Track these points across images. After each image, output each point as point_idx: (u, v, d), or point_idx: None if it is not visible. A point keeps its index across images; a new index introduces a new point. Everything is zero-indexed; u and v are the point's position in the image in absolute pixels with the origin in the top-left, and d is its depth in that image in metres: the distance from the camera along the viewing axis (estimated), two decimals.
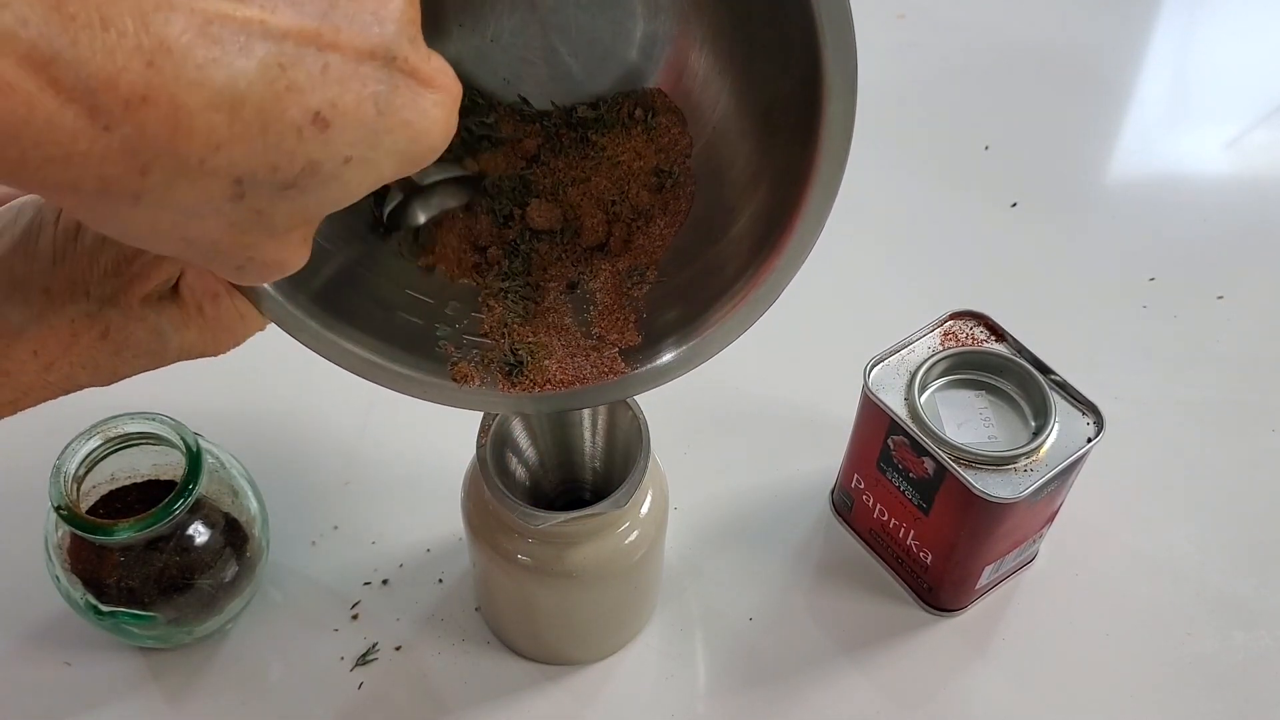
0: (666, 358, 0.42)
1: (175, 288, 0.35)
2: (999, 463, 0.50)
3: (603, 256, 0.45)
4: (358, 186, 0.28)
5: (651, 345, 0.42)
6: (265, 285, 0.37)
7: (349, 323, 0.40)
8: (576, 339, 0.43)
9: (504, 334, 0.43)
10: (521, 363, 0.43)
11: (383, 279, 0.44)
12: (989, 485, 0.49)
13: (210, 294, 0.36)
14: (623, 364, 0.42)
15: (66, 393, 0.36)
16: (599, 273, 0.44)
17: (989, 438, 0.52)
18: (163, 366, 0.36)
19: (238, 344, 0.38)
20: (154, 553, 0.50)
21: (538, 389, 0.42)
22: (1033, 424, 0.52)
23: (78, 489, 0.50)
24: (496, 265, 0.45)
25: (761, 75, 0.41)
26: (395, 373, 0.41)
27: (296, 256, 0.31)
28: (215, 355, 0.38)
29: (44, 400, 0.35)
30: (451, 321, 0.44)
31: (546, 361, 0.43)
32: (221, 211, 0.26)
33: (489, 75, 0.46)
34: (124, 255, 0.33)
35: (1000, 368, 0.54)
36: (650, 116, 0.45)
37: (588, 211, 0.44)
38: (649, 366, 0.42)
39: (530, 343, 0.43)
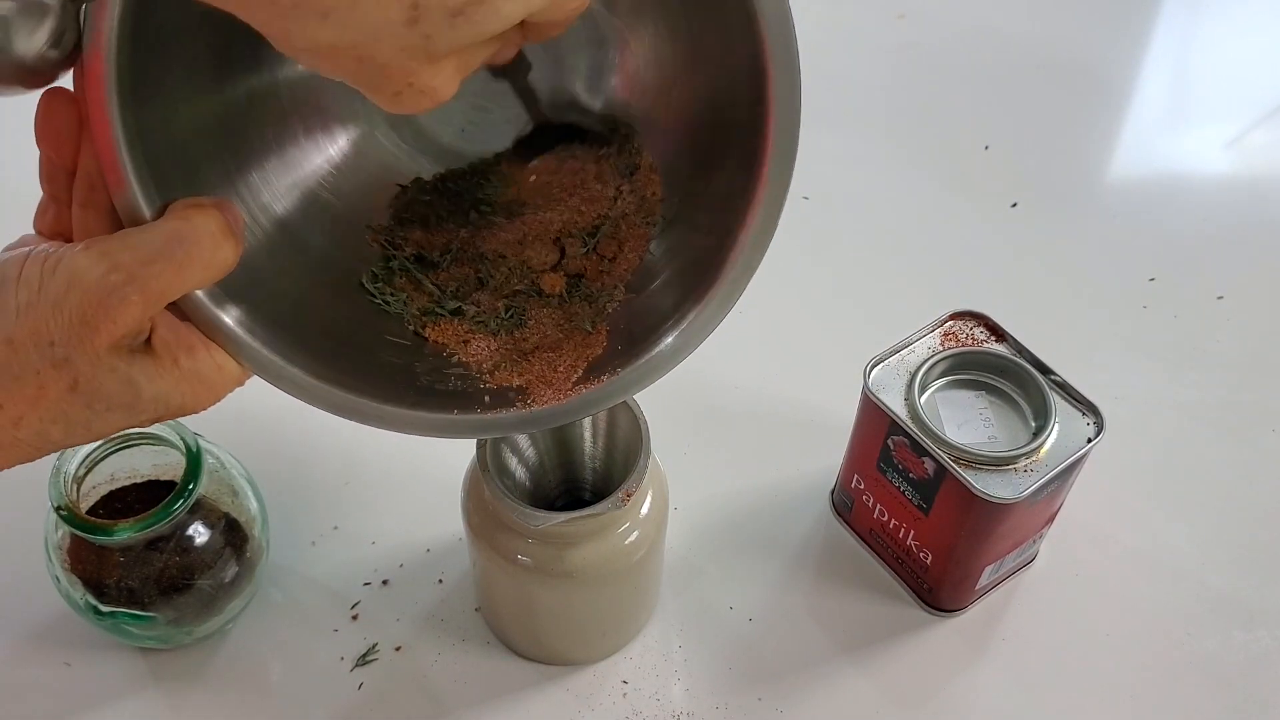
0: (645, 358, 0.41)
1: (149, 342, 0.35)
2: (999, 463, 0.50)
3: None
4: (512, 14, 0.30)
5: (631, 349, 0.42)
6: (241, 332, 0.38)
7: (329, 366, 0.40)
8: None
9: (486, 363, 0.43)
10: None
11: (362, 326, 0.44)
12: (989, 485, 0.49)
13: (186, 347, 0.36)
14: (582, 380, 0.42)
15: (42, 452, 0.35)
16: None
17: (989, 438, 0.52)
18: (141, 423, 0.36)
19: (217, 399, 0.37)
20: (154, 553, 0.50)
21: (520, 407, 0.42)
22: (1033, 424, 0.52)
23: (78, 489, 0.50)
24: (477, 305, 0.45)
25: (708, 79, 0.42)
26: (380, 411, 0.41)
27: (449, 86, 0.32)
28: (195, 412, 0.37)
29: (20, 460, 0.35)
30: (429, 357, 0.44)
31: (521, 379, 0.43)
32: (396, 34, 0.29)
33: (445, 126, 0.47)
34: (89, 303, 0.33)
35: (1000, 368, 0.54)
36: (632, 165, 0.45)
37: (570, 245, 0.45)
38: (623, 371, 0.41)
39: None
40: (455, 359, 0.44)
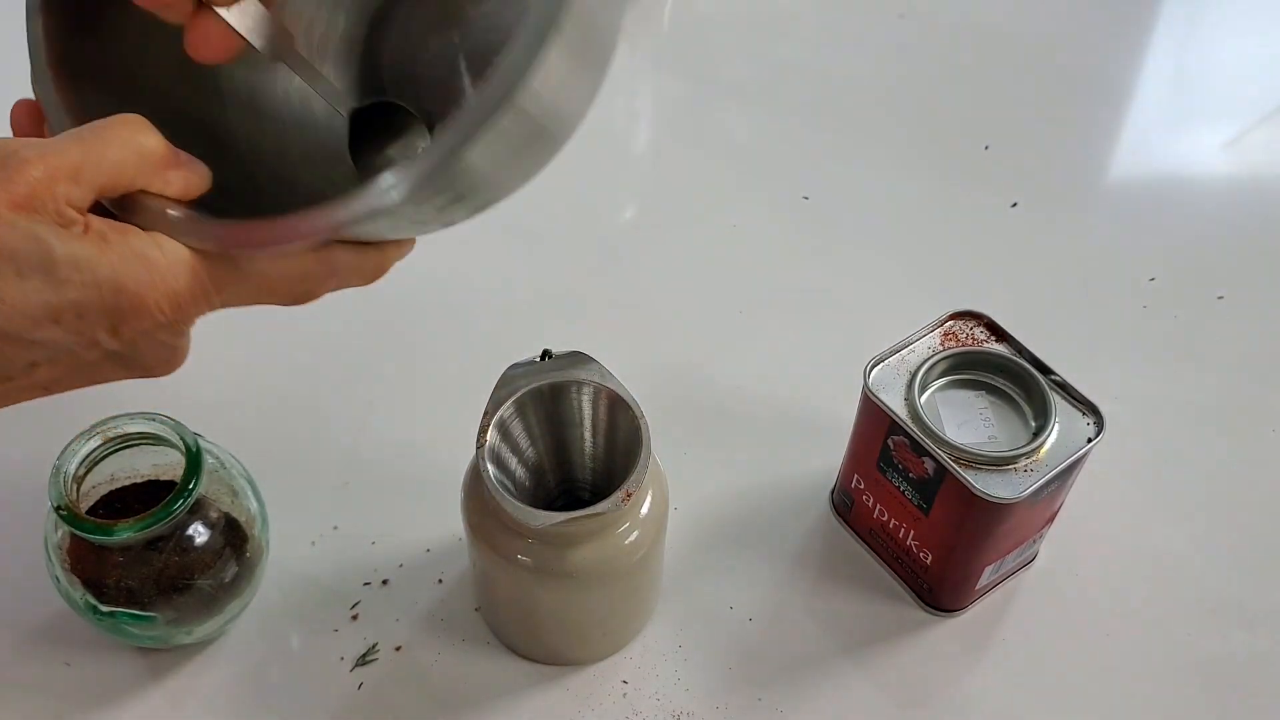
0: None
1: (85, 230, 0.34)
2: (999, 463, 0.50)
3: None
4: None
5: None
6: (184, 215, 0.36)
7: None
8: None
9: None
10: None
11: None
12: (989, 485, 0.49)
13: (119, 229, 0.34)
14: None
15: None
16: None
17: (989, 438, 0.52)
18: (71, 300, 0.33)
19: (170, 289, 0.34)
20: (154, 553, 0.50)
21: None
22: (1033, 424, 0.52)
23: (77, 489, 0.50)
24: None
25: None
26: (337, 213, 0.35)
27: None
28: (145, 301, 0.34)
29: None
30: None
31: None
32: None
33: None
34: None
35: (1000, 368, 0.54)
36: None
37: None
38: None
39: None
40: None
